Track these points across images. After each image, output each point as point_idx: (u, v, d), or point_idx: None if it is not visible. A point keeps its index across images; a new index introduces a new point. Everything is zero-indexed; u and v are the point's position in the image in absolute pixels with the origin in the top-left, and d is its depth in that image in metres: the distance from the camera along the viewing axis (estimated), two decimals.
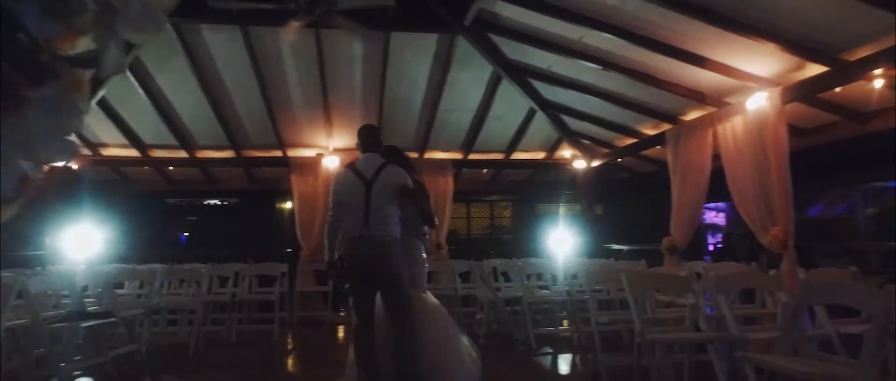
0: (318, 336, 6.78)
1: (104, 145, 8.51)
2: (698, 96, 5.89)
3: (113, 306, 4.92)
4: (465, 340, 3.77)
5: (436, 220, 3.90)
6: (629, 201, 10.17)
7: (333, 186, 3.71)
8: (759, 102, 5.00)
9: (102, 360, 4.43)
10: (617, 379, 4.14)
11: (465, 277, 7.03)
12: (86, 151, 8.41)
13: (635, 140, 7.70)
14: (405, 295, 3.50)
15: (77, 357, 4.34)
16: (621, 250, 8.66)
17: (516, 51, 6.71)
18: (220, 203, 11.57)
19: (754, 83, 5.13)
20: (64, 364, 3.94)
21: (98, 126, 7.99)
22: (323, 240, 3.72)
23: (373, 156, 3.68)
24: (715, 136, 5.71)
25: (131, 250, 8.52)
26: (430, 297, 3.85)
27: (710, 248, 11.37)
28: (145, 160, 8.81)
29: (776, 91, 4.88)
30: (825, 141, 5.87)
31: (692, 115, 6.35)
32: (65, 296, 5.09)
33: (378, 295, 3.53)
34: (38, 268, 6.32)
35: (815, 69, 4.64)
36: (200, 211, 11.73)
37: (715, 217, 12.12)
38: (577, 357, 5.28)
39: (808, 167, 5.44)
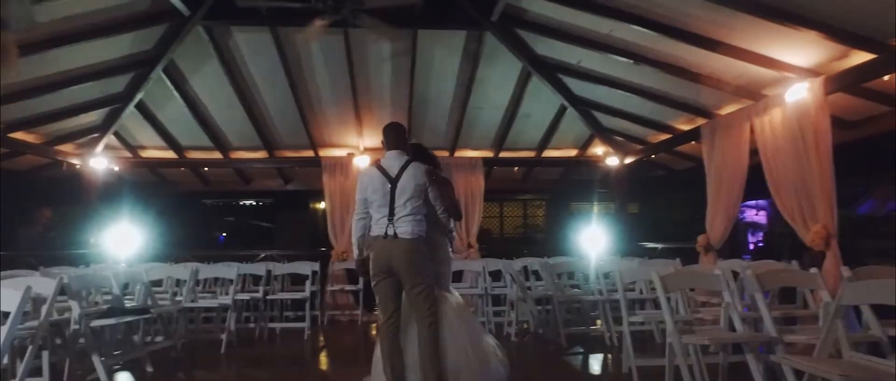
0: (349, 335, 6.83)
1: (143, 147, 8.78)
2: (734, 89, 5.68)
3: (150, 302, 5.08)
4: (490, 339, 3.73)
5: (461, 212, 3.87)
6: (664, 198, 9.94)
7: (359, 185, 3.72)
8: (799, 94, 4.78)
9: (140, 355, 4.58)
10: (649, 380, 4.03)
11: (497, 275, 6.99)
12: (126, 154, 8.71)
13: (669, 136, 7.49)
14: (430, 294, 3.48)
15: (116, 352, 4.50)
16: (656, 248, 8.47)
17: (545, 46, 6.61)
18: (254, 204, 11.83)
19: (794, 73, 4.91)
20: (104, 358, 4.08)
21: (136, 128, 8.25)
22: (351, 238, 3.74)
23: (398, 153, 3.68)
24: (752, 130, 5.51)
25: (170, 249, 8.78)
26: (455, 296, 3.82)
27: (751, 247, 11.02)
28: (182, 162, 9.05)
29: (818, 81, 4.66)
30: (872, 133, 5.57)
31: (728, 108, 6.14)
32: (106, 293, 5.28)
33: (403, 294, 3.53)
34: (82, 266, 6.57)
35: (860, 57, 4.40)
36: (237, 211, 12.04)
37: (756, 216, 11.73)
38: (609, 357, 5.18)
39: (854, 161, 5.18)
